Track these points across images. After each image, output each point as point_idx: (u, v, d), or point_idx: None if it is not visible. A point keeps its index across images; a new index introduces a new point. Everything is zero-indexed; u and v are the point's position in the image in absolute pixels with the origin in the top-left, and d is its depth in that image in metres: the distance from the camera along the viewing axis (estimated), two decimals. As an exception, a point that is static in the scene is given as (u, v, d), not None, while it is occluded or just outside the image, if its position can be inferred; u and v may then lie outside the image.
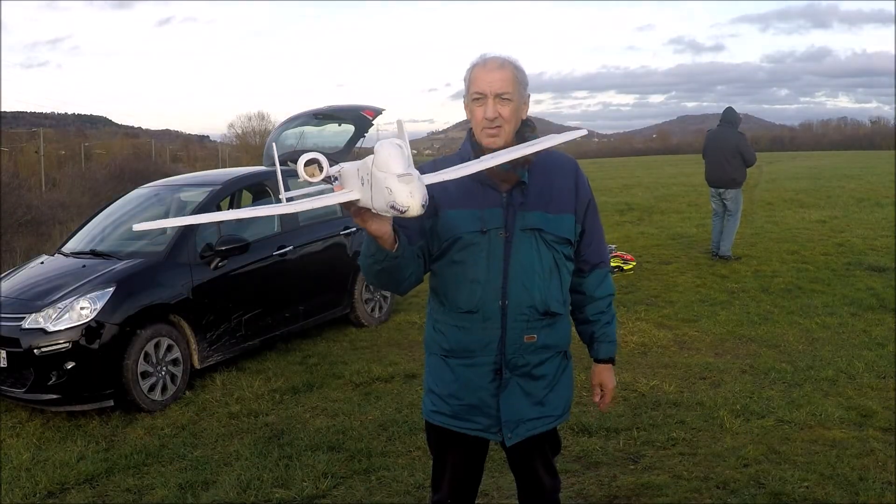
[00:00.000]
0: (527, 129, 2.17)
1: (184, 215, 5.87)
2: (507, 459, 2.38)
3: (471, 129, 2.19)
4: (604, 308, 2.33)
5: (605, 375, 2.35)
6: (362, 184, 1.70)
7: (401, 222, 1.90)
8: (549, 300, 2.15)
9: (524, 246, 2.11)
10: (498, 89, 2.07)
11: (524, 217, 2.11)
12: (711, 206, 9.53)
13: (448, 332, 2.18)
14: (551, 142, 2.01)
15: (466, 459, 2.30)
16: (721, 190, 9.20)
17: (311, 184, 1.96)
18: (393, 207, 1.58)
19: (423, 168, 2.04)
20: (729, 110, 9.44)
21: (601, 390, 2.36)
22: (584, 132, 2.02)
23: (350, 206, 1.76)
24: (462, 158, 2.11)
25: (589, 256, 2.28)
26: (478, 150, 2.14)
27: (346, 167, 1.88)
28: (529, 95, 2.19)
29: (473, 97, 2.10)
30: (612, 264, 8.81)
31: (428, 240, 2.10)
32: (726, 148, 9.09)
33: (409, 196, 1.56)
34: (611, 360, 2.36)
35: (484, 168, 1.92)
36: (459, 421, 2.20)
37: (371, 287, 6.79)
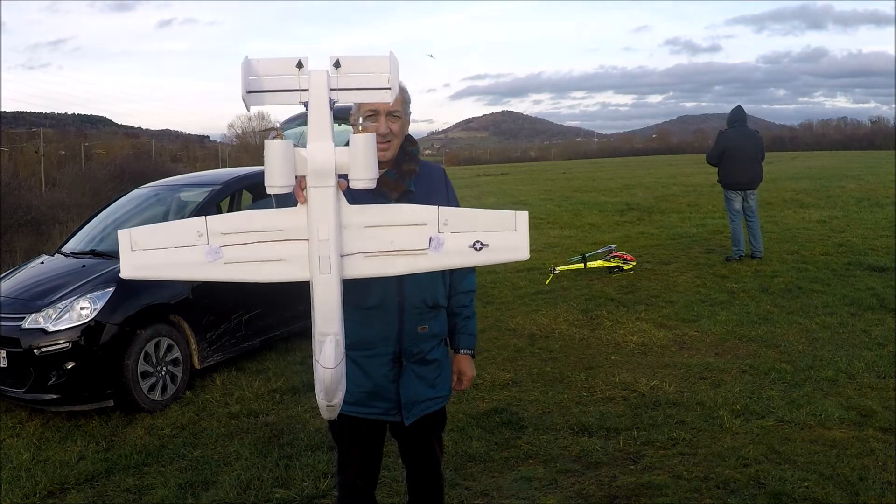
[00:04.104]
0: (408, 143, 2.45)
1: (184, 215, 5.87)
2: (403, 437, 2.58)
3: None
4: (466, 302, 2.61)
5: (465, 364, 2.63)
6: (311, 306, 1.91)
7: None
8: (436, 295, 2.46)
9: None
10: (390, 108, 2.32)
11: None
12: (734, 209, 9.20)
13: (348, 327, 2.30)
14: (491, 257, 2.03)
15: (367, 442, 2.53)
16: (747, 192, 9.11)
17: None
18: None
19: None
20: (740, 109, 9.35)
21: (458, 378, 2.62)
22: (525, 255, 2.00)
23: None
24: None
25: None
26: None
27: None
28: (411, 113, 2.46)
29: (367, 114, 2.32)
30: (612, 264, 8.81)
31: None
32: (753, 149, 9.03)
33: (329, 416, 1.97)
34: (470, 352, 2.64)
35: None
36: (360, 407, 2.42)
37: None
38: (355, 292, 2.31)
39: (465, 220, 1.96)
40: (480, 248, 1.96)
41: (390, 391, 2.42)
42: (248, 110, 1.95)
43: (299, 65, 1.88)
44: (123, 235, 1.85)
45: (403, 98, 2.39)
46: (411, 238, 1.94)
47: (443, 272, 2.48)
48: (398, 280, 2.34)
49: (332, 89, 1.90)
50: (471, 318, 2.63)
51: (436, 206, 1.98)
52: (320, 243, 1.88)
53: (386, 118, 2.33)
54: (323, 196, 1.88)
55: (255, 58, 1.91)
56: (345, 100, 1.95)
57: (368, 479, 2.60)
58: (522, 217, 1.97)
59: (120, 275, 1.86)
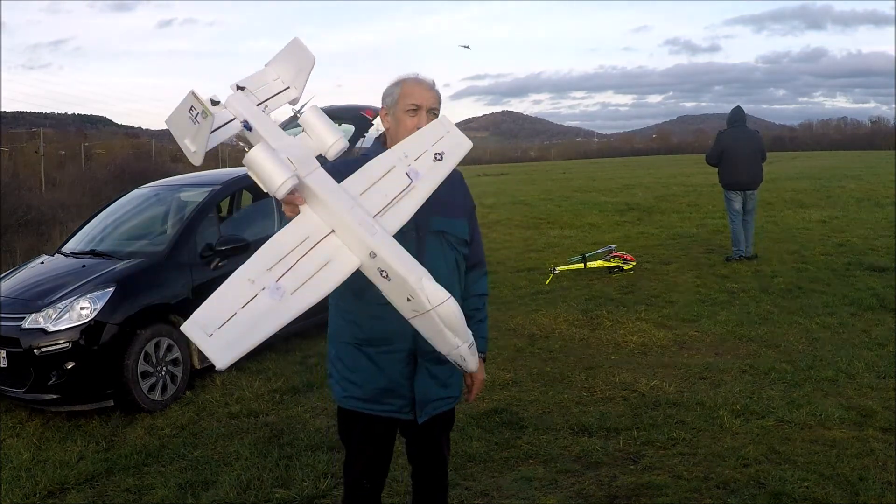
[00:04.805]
0: None
1: (184, 216, 5.86)
2: (413, 435, 2.57)
3: (381, 136, 2.47)
4: (478, 305, 2.59)
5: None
6: (384, 276, 1.93)
7: None
8: (453, 294, 2.36)
9: (433, 246, 2.37)
10: (431, 105, 2.36)
11: (431, 221, 2.36)
12: (734, 209, 9.19)
13: (364, 322, 2.37)
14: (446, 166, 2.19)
15: (378, 441, 2.49)
16: (747, 192, 9.10)
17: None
18: (459, 365, 2.03)
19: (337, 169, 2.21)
20: (739, 110, 9.35)
21: (471, 381, 2.57)
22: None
23: (288, 200, 1.93)
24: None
25: (470, 257, 2.54)
26: None
27: (314, 185, 1.96)
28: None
29: (408, 108, 2.34)
30: (612, 264, 8.81)
31: None
32: (751, 149, 9.02)
33: (473, 365, 2.06)
34: (482, 355, 2.57)
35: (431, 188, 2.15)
36: (373, 404, 2.41)
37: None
38: (373, 287, 2.31)
39: (416, 145, 2.12)
40: (441, 158, 2.12)
41: (405, 388, 2.39)
42: (199, 164, 2.05)
43: (214, 102, 1.95)
44: (191, 328, 1.79)
45: (440, 99, 2.41)
46: (396, 182, 2.05)
47: (460, 273, 2.47)
48: None
49: (257, 105, 2.00)
50: (483, 322, 2.61)
51: (390, 149, 2.11)
52: (351, 211, 1.92)
53: (427, 114, 2.34)
54: (319, 177, 1.96)
55: (172, 117, 1.98)
56: (274, 106, 2.05)
57: (376, 479, 2.56)
58: (445, 120, 2.21)
59: (218, 368, 1.77)
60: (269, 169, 1.86)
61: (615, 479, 3.68)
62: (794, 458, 3.78)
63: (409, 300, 1.92)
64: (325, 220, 1.94)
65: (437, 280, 2.34)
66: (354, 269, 1.93)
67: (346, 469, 2.59)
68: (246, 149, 1.91)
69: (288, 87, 2.05)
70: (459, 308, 1.93)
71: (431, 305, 1.89)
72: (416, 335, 2.34)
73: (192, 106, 1.94)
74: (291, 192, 1.92)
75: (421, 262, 2.30)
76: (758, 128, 9.62)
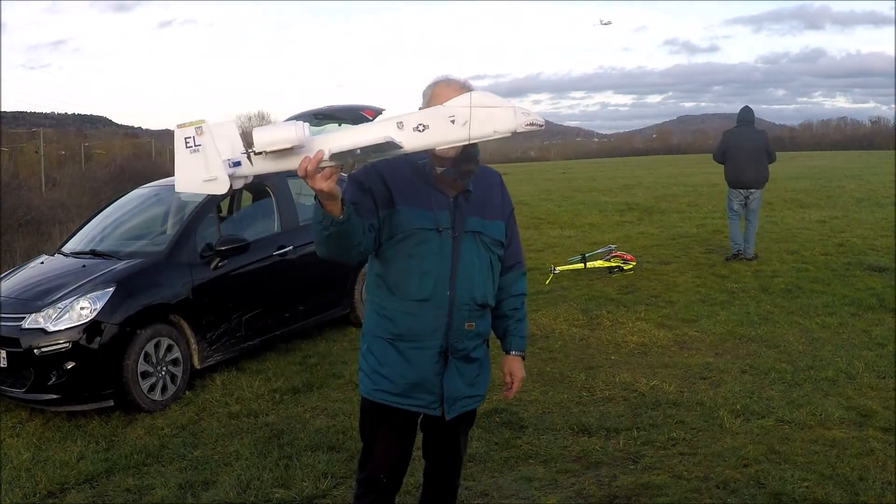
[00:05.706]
0: (470, 144, 2.49)
1: (184, 216, 5.86)
2: (436, 431, 2.59)
3: None
4: (517, 305, 2.63)
5: (516, 366, 2.64)
6: (423, 129, 2.01)
7: (353, 199, 2.23)
8: (486, 294, 2.48)
9: (468, 246, 2.41)
10: None
11: (468, 221, 2.42)
12: (732, 207, 9.21)
13: (398, 318, 2.41)
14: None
15: (400, 437, 2.52)
16: (750, 191, 9.10)
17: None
18: (534, 123, 2.03)
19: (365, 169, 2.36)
20: (747, 110, 9.37)
21: (511, 379, 2.63)
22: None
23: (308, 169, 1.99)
24: (411, 163, 2.38)
25: (508, 258, 2.58)
26: (431, 157, 2.38)
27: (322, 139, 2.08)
28: None
29: None
30: (612, 264, 8.81)
31: (381, 224, 2.36)
32: (755, 148, 9.03)
33: (537, 114, 2.06)
34: (521, 353, 2.66)
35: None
36: (403, 398, 2.44)
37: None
38: (407, 283, 2.38)
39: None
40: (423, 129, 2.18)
41: (434, 385, 2.42)
42: (227, 189, 2.08)
43: (199, 130, 2.01)
44: (337, 158, 1.98)
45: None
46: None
47: (494, 274, 2.50)
48: (450, 275, 2.38)
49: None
50: (522, 321, 2.65)
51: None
52: (358, 128, 2.10)
53: None
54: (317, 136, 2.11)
55: (179, 179, 2.07)
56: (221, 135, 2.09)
57: (395, 476, 2.56)
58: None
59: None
60: (277, 131, 1.96)
61: (615, 479, 3.68)
62: (794, 458, 3.78)
63: (452, 122, 2.01)
64: (350, 143, 2.01)
65: (472, 279, 2.42)
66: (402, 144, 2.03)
67: (362, 464, 2.58)
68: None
69: (239, 162, 2.09)
70: (479, 90, 2.06)
71: (468, 104, 1.99)
72: (447, 333, 2.39)
73: (185, 137, 1.98)
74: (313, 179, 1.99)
75: (456, 261, 2.39)
76: (760, 128, 9.69)
